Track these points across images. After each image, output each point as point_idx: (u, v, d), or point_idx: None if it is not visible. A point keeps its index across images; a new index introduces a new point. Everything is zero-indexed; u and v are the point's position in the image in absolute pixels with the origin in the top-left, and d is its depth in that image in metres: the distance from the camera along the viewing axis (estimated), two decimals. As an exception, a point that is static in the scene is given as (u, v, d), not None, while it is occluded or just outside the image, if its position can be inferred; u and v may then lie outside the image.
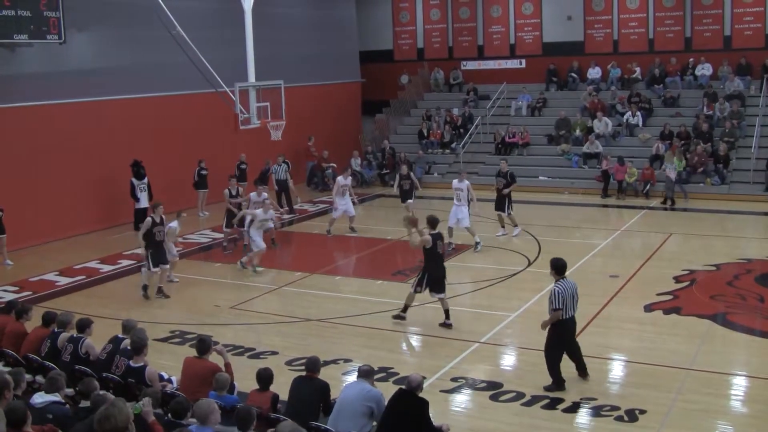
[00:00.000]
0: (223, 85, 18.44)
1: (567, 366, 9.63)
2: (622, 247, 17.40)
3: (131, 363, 8.07)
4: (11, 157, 17.54)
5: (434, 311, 12.06)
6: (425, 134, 26.65)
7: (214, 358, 8.38)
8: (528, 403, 9.21)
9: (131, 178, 19.14)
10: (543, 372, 9.58)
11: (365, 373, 7.65)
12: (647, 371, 10.03)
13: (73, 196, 18.91)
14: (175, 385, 8.39)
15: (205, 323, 12.42)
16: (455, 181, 16.90)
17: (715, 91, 24.20)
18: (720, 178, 21.85)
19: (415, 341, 11.89)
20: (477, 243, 16.54)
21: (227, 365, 8.35)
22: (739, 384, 9.88)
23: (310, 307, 13.26)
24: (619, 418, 8.75)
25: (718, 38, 25.34)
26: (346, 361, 10.59)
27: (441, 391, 9.57)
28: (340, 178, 18.74)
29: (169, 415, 6.64)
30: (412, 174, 19.37)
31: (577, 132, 24.60)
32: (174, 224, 14.40)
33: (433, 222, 12.05)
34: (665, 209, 20.80)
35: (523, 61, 28.20)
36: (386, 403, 7.34)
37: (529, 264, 15.41)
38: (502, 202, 17.66)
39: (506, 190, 17.55)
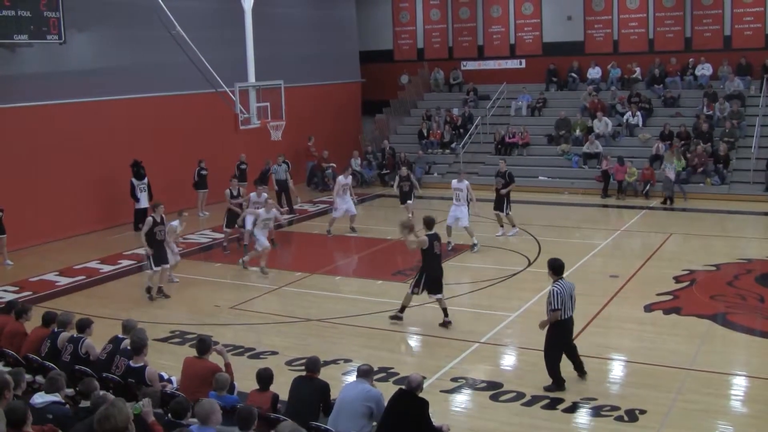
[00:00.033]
0: (223, 85, 18.45)
1: (566, 366, 9.63)
2: (622, 247, 17.40)
3: (131, 363, 8.07)
4: (11, 157, 17.54)
5: (434, 311, 12.06)
6: (425, 134, 26.65)
7: (214, 358, 8.38)
8: (528, 403, 9.21)
9: (131, 178, 19.14)
10: (543, 372, 9.58)
11: (364, 373, 7.65)
12: (647, 371, 10.03)
13: (73, 196, 18.90)
14: (175, 385, 8.39)
15: (205, 323, 12.42)
16: (454, 182, 16.90)
17: (715, 91, 24.20)
18: (720, 178, 21.85)
19: (414, 341, 11.89)
20: (474, 245, 16.53)
21: (227, 365, 8.36)
22: (739, 384, 9.88)
23: (310, 307, 13.26)
24: (619, 418, 8.74)
25: (718, 38, 25.34)
26: (346, 361, 10.59)
27: (441, 391, 9.57)
28: (340, 178, 18.75)
29: (169, 415, 6.64)
30: (411, 176, 19.39)
31: (577, 132, 24.61)
32: (175, 223, 14.41)
33: (429, 223, 12.04)
34: (665, 209, 20.81)
35: (523, 61, 28.20)
36: (386, 403, 7.34)
37: (530, 264, 15.41)
38: (500, 202, 17.67)
39: (504, 190, 17.56)
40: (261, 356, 10.87)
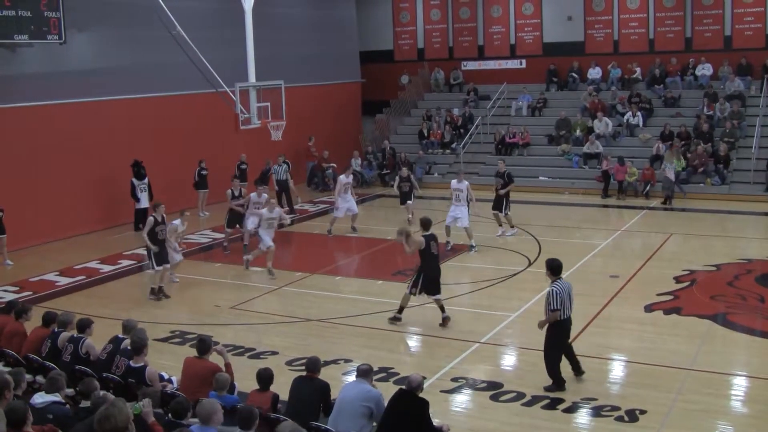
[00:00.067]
0: (224, 85, 18.45)
1: (566, 366, 9.63)
2: (623, 247, 17.40)
3: (131, 363, 8.07)
4: (11, 157, 17.55)
5: (433, 311, 12.05)
6: (425, 134, 26.65)
7: (214, 358, 8.38)
8: (528, 404, 9.21)
9: (132, 178, 19.13)
10: (543, 372, 9.57)
11: (364, 373, 7.64)
12: (647, 371, 10.03)
13: (73, 196, 18.90)
14: (175, 385, 8.39)
15: (205, 323, 12.42)
16: (454, 182, 16.89)
17: (715, 92, 24.20)
18: (720, 179, 21.85)
19: (414, 341, 11.89)
20: (472, 246, 16.52)
21: (227, 365, 8.35)
22: (740, 384, 9.88)
23: (311, 307, 13.26)
24: (620, 419, 8.74)
25: (718, 38, 25.34)
26: (347, 361, 10.58)
27: (441, 391, 9.57)
28: (342, 177, 18.76)
29: (169, 415, 6.64)
30: (411, 176, 19.41)
31: (578, 132, 24.60)
32: (176, 222, 14.42)
33: (426, 223, 12.07)
34: (665, 209, 20.81)
35: (524, 61, 28.19)
36: (386, 403, 7.34)
37: (530, 264, 15.40)
38: (500, 202, 17.67)
39: (503, 191, 17.56)
40: (261, 356, 10.87)
